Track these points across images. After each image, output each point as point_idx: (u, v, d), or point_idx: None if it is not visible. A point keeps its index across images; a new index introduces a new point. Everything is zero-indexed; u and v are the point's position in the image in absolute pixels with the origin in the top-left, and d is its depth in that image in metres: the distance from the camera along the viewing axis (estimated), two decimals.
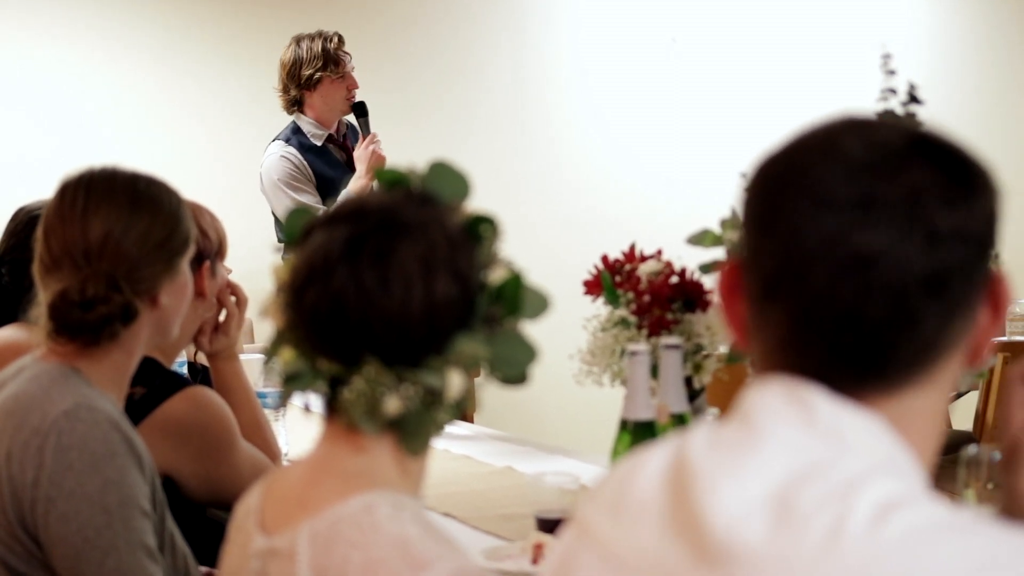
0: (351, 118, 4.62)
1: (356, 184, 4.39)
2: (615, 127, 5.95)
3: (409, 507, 1.32)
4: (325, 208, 4.39)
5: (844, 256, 0.93)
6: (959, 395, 5.00)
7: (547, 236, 5.49)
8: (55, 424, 1.73)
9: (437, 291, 1.30)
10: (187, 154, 5.22)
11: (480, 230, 1.35)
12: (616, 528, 1.02)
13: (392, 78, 5.56)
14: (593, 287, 2.34)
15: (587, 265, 2.40)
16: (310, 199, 4.39)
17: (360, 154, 4.45)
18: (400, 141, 5.37)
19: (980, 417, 4.18)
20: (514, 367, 1.36)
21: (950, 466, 4.44)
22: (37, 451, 1.74)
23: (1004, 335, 4.92)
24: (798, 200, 0.95)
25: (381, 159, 4.41)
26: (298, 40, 4.50)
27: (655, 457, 1.03)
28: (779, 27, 6.23)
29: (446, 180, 1.39)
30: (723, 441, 0.99)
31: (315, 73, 4.44)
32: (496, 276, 1.33)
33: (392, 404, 1.30)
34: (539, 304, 1.37)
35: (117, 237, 1.80)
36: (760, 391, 0.99)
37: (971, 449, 1.37)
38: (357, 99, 4.55)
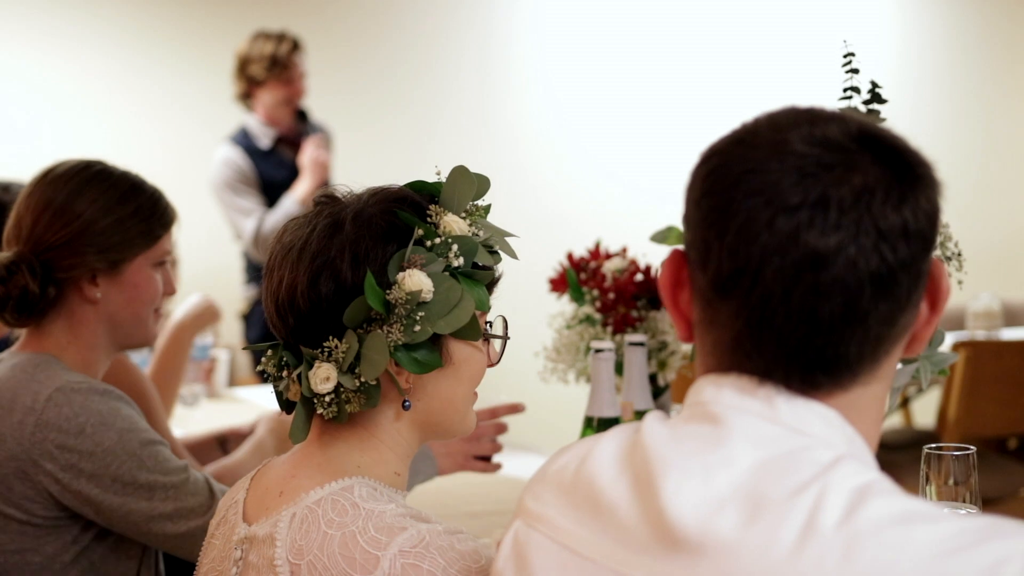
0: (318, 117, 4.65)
1: (300, 188, 4.47)
2: (580, 127, 5.96)
3: (386, 492, 1.36)
4: (267, 210, 4.38)
5: (797, 256, 0.95)
6: (920, 392, 5.04)
7: (516, 232, 5.48)
8: (51, 400, 1.83)
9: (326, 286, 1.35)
10: (145, 149, 5.19)
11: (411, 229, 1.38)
12: (570, 517, 1.03)
13: (358, 80, 5.55)
14: (558, 285, 2.35)
15: (553, 263, 2.41)
16: (252, 202, 4.48)
17: (303, 160, 4.50)
18: (366, 143, 5.37)
19: (943, 414, 4.21)
20: (453, 315, 1.36)
21: (913, 462, 4.47)
22: (36, 427, 1.82)
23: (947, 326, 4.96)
24: (750, 200, 0.96)
25: (322, 165, 4.45)
26: (255, 37, 4.57)
27: (606, 447, 1.04)
28: (743, 26, 6.26)
29: (468, 184, 1.43)
30: (685, 435, 1.00)
31: (261, 74, 4.50)
32: (417, 281, 1.34)
33: (319, 383, 1.35)
34: (459, 314, 1.36)
35: (43, 224, 1.91)
36: (716, 387, 1.01)
37: (932, 446, 1.39)
38: (308, 104, 4.61)
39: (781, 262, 0.95)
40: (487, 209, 1.46)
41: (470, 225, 1.41)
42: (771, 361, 0.98)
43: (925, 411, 5.69)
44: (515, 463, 2.65)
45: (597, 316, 2.25)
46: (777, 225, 0.95)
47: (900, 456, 4.51)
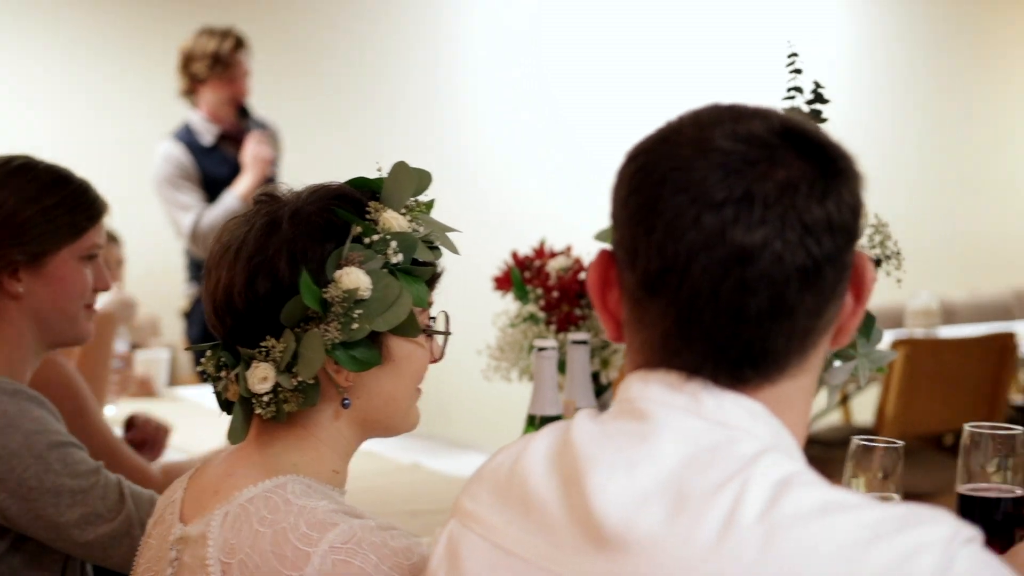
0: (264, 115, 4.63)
1: (242, 185, 4.44)
2: (527, 126, 5.97)
3: (320, 489, 1.35)
4: (207, 206, 4.37)
5: (724, 253, 0.95)
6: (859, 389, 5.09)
7: (459, 233, 5.48)
8: None
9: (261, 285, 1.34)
10: (91, 146, 5.13)
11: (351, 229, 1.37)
12: (502, 516, 1.03)
13: (306, 79, 5.52)
14: (503, 283, 2.35)
15: (498, 262, 2.41)
16: (192, 198, 4.44)
17: (245, 156, 4.48)
18: (313, 142, 5.35)
19: (881, 411, 4.26)
20: (391, 310, 1.35)
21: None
22: None
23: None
24: (676, 198, 0.96)
25: (263, 161, 4.43)
26: (199, 34, 4.55)
27: (539, 446, 1.04)
28: (689, 28, 6.29)
29: (409, 179, 1.43)
30: (612, 432, 1.00)
31: (203, 71, 4.48)
32: (355, 279, 1.33)
33: (255, 382, 1.34)
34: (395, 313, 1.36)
35: None
36: (643, 384, 1.01)
37: (859, 439, 1.40)
38: (255, 102, 4.58)
39: (708, 259, 0.95)
40: (430, 204, 1.46)
41: (410, 221, 1.41)
42: (700, 357, 0.98)
43: (864, 408, 5.75)
44: (457, 462, 2.65)
45: (541, 315, 2.25)
46: (703, 222, 0.95)
47: (838, 452, 4.54)
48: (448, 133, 5.81)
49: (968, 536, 0.89)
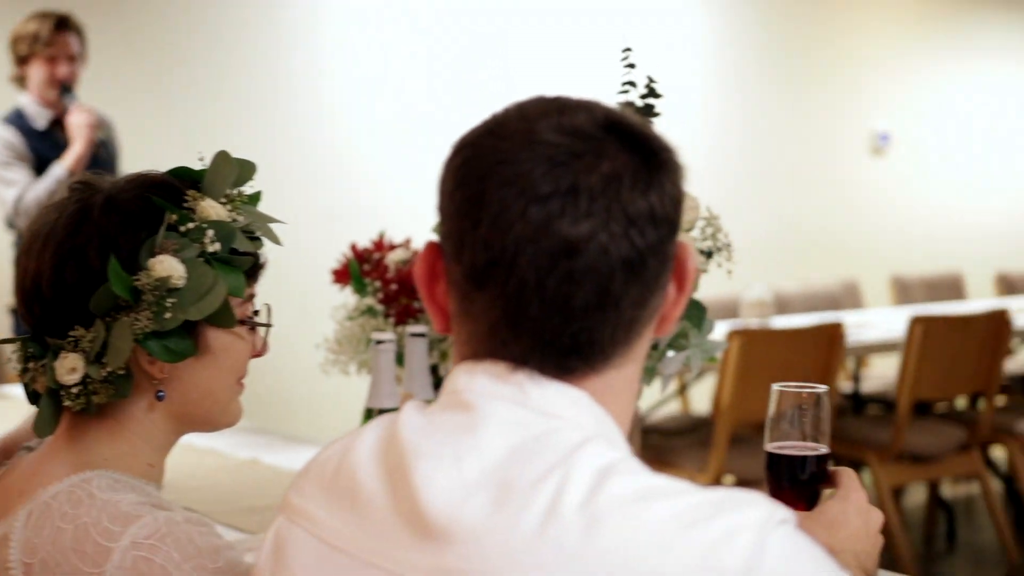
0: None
1: (70, 155, 4.37)
2: (368, 119, 5.93)
3: (130, 483, 1.32)
4: (36, 180, 4.23)
5: (550, 245, 0.96)
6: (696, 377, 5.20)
7: (297, 225, 5.43)
8: None
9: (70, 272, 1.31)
10: None
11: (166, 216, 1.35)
12: (330, 511, 1.02)
13: (143, 68, 5.39)
14: (341, 276, 2.33)
15: (337, 255, 2.39)
16: (20, 175, 4.34)
17: (70, 126, 4.42)
18: (149, 133, 5.23)
19: (717, 400, 4.35)
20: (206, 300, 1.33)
21: (690, 447, 4.60)
22: None
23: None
24: (502, 190, 0.97)
25: (88, 126, 4.36)
26: (28, 18, 4.48)
27: (366, 439, 1.04)
28: (528, 24, 6.33)
29: (229, 169, 1.40)
30: (438, 424, 1.00)
31: (26, 52, 4.42)
32: (167, 267, 1.31)
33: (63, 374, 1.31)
34: (211, 299, 1.34)
35: None
36: (470, 375, 1.02)
37: (781, 384, 1.40)
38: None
39: (535, 251, 0.96)
40: (256, 196, 1.44)
41: (231, 211, 1.38)
42: (527, 348, 0.99)
43: (701, 397, 5.87)
44: (297, 456, 2.62)
45: (379, 307, 2.24)
46: (530, 215, 0.96)
47: (678, 441, 4.64)
48: (290, 125, 5.74)
49: (781, 518, 0.92)
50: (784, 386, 1.36)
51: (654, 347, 2.01)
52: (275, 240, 1.43)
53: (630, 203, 0.97)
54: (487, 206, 0.97)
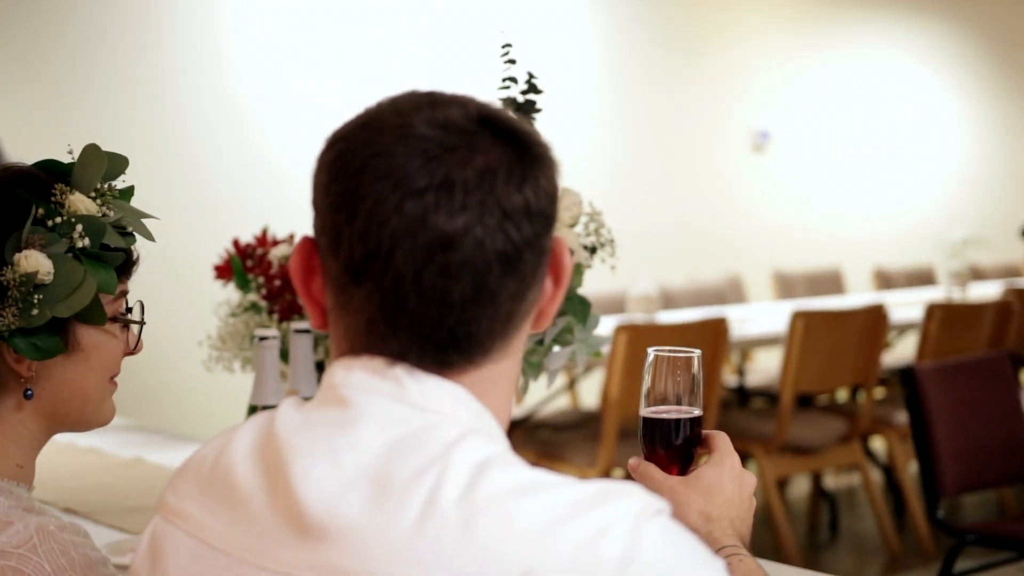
0: None
1: None
2: (253, 114, 5.86)
3: (1, 486, 1.29)
4: None
5: (426, 239, 0.96)
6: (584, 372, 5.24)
7: (178, 219, 5.35)
8: None
9: None
10: None
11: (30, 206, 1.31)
12: (207, 510, 1.01)
13: (26, 52, 5.27)
14: (223, 272, 2.31)
15: (220, 249, 2.36)
16: None
17: None
18: (31, 120, 5.11)
19: (606, 394, 4.39)
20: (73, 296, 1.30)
21: (581, 441, 4.62)
22: None
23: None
24: (377, 184, 0.97)
25: None
26: None
27: (243, 437, 1.03)
28: (426, 12, 6.32)
29: (99, 162, 1.36)
30: (316, 420, 1.00)
31: None
32: (34, 262, 1.28)
33: None
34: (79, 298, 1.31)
35: None
36: (347, 370, 1.01)
37: (656, 348, 1.42)
38: None
39: (411, 245, 0.96)
40: (129, 191, 1.41)
41: (101, 205, 1.35)
42: (405, 342, 0.99)
43: (590, 392, 5.92)
44: (180, 455, 2.59)
45: (263, 303, 2.22)
46: (405, 209, 0.96)
47: (567, 435, 4.68)
48: (172, 117, 5.66)
49: (656, 509, 0.93)
50: (658, 350, 1.38)
51: (539, 342, 2.03)
52: (148, 236, 1.40)
53: (505, 197, 0.97)
54: (362, 200, 0.97)
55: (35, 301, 1.27)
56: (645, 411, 1.38)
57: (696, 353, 1.37)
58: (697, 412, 1.37)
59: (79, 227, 1.31)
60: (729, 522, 1.30)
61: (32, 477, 1.37)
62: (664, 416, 1.37)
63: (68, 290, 1.29)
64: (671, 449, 1.37)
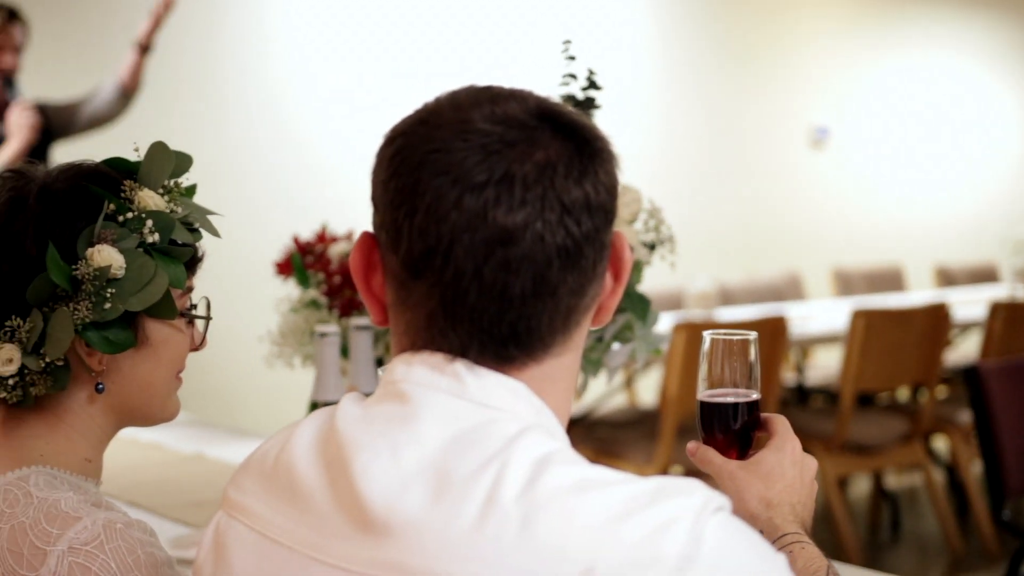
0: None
1: (5, 152, 4.33)
2: (314, 110, 5.90)
3: (68, 480, 1.30)
4: None
5: (486, 234, 0.96)
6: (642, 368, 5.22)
7: (239, 217, 5.40)
8: None
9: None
10: None
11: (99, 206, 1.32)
12: (269, 505, 1.01)
13: (88, 56, 5.34)
14: (284, 268, 2.32)
15: (278, 246, 2.38)
16: None
17: (9, 124, 4.37)
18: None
19: (664, 392, 4.38)
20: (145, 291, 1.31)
21: (639, 439, 4.61)
22: None
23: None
24: (437, 179, 0.97)
25: (27, 127, 4.32)
26: None
27: (304, 432, 1.03)
28: (484, 13, 6.33)
29: (167, 160, 1.37)
30: (376, 416, 1.00)
31: None
32: (107, 257, 1.28)
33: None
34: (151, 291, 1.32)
35: None
36: (407, 366, 1.01)
37: (712, 332, 1.40)
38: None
39: (471, 240, 0.95)
40: (192, 189, 1.42)
41: (168, 202, 1.36)
42: (466, 337, 0.98)
43: (648, 389, 5.90)
44: (241, 450, 2.61)
45: (323, 300, 2.24)
46: (465, 204, 0.95)
47: (626, 433, 4.66)
48: (231, 117, 5.70)
49: (718, 505, 0.92)
50: (714, 334, 1.37)
51: (599, 339, 2.02)
52: (214, 232, 1.41)
53: (565, 192, 0.97)
54: (422, 195, 0.97)
55: (108, 295, 1.28)
56: (703, 395, 1.36)
57: (752, 336, 1.36)
58: (755, 396, 1.36)
59: (149, 223, 1.32)
60: (790, 508, 1.28)
61: (100, 472, 1.38)
62: (721, 400, 1.35)
63: (140, 284, 1.30)
64: (729, 433, 1.35)
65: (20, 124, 4.33)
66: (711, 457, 1.33)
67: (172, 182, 1.39)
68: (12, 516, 1.22)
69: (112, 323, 1.30)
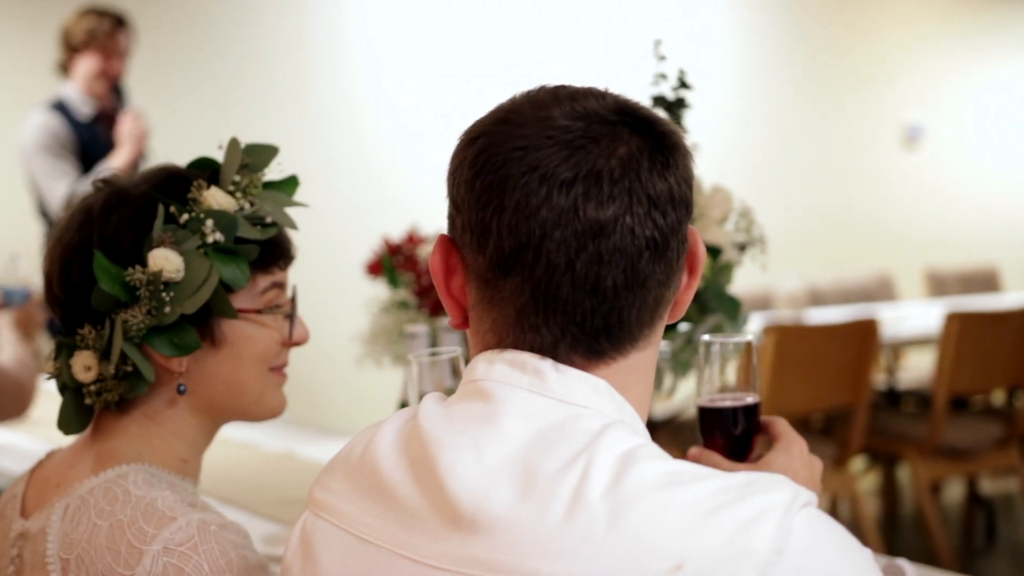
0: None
1: (117, 159, 4.39)
2: (402, 110, 5.94)
3: (165, 478, 1.32)
4: (83, 176, 4.24)
5: (578, 228, 0.97)
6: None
7: (329, 218, 5.45)
8: None
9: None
10: None
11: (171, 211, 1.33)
12: (355, 504, 1.02)
13: (185, 60, 5.42)
14: (374, 269, 2.34)
15: (365, 247, 2.40)
16: (69, 166, 4.37)
17: (121, 132, 4.44)
18: (195, 128, 5.26)
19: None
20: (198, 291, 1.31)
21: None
22: None
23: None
24: (524, 177, 0.98)
25: (139, 136, 4.38)
26: (81, 12, 4.51)
27: (387, 431, 1.04)
28: (568, 11, 6.32)
29: (236, 155, 1.38)
30: (458, 414, 1.00)
31: (78, 47, 4.44)
32: (161, 260, 1.29)
33: (79, 371, 1.31)
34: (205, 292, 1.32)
35: None
36: (489, 364, 1.02)
37: (708, 336, 1.40)
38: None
39: (563, 234, 0.97)
40: (292, 180, 1.41)
41: (239, 198, 1.36)
42: (557, 331, 0.99)
43: None
44: (330, 449, 2.63)
45: (412, 300, 2.25)
46: (554, 199, 0.97)
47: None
48: (322, 118, 5.76)
49: (806, 500, 0.92)
50: (711, 338, 1.36)
51: (689, 341, 2.01)
52: (291, 225, 1.40)
53: (650, 185, 0.98)
54: (510, 193, 0.98)
55: (166, 299, 1.29)
56: (701, 401, 1.35)
57: (749, 338, 1.35)
58: (752, 399, 1.35)
59: (209, 222, 1.32)
60: None
61: (198, 473, 1.39)
62: (721, 404, 1.34)
63: (194, 287, 1.30)
64: (729, 438, 1.35)
65: (132, 134, 4.39)
66: (717, 461, 1.33)
67: (246, 177, 1.37)
68: (111, 514, 1.24)
69: (174, 326, 1.30)
